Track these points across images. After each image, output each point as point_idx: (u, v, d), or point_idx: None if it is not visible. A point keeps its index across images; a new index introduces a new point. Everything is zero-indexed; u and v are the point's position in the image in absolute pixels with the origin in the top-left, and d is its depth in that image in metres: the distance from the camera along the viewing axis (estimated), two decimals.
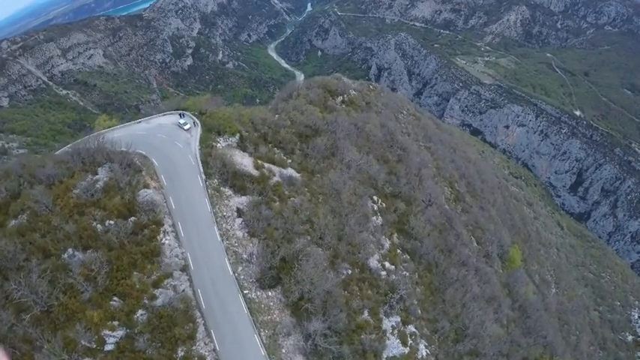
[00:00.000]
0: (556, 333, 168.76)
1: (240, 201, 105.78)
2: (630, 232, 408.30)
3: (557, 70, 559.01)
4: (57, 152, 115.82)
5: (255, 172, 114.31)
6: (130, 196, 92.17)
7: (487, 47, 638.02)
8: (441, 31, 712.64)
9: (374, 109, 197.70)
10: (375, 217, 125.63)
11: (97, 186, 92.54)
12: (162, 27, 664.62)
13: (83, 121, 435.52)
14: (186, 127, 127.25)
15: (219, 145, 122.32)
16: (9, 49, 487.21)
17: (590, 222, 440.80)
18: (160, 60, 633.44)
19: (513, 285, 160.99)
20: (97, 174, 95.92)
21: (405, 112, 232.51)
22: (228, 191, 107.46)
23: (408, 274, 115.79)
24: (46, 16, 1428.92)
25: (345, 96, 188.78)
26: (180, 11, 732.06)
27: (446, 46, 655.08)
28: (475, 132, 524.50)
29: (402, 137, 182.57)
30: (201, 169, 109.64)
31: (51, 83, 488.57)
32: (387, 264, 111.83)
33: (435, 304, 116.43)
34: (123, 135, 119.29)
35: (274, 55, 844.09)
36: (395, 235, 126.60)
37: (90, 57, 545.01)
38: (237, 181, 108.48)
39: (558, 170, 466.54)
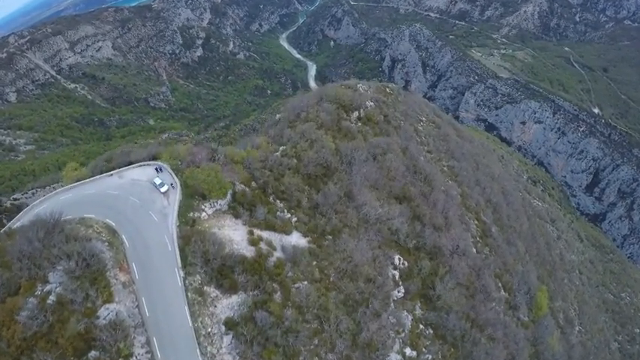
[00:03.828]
0: None
1: (229, 304, 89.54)
2: None
3: (575, 65, 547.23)
4: (17, 223, 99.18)
5: (249, 251, 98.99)
6: (87, 324, 77.23)
7: (503, 39, 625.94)
8: (457, 22, 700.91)
9: (392, 123, 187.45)
10: (396, 291, 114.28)
11: (49, 302, 77.88)
12: (171, 17, 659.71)
13: (92, 115, 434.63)
14: (162, 189, 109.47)
15: (204, 214, 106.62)
16: (16, 44, 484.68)
17: (605, 224, 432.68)
18: (170, 51, 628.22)
19: (540, 340, 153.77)
20: (47, 282, 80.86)
21: (424, 119, 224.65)
22: (213, 292, 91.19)
23: (431, 357, 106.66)
24: (57, 7, 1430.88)
25: (362, 110, 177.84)
26: (190, 1, 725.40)
27: (461, 37, 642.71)
28: (490, 127, 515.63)
29: (425, 160, 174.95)
30: (179, 262, 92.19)
31: (59, 77, 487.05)
32: (407, 351, 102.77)
33: None
34: (91, 194, 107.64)
35: (286, 45, 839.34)
36: (418, 306, 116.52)
37: (98, 49, 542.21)
38: (225, 278, 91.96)
39: (574, 169, 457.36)
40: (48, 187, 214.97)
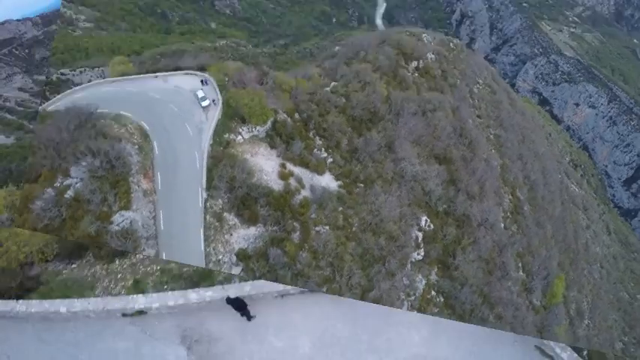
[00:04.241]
0: None
1: (245, 235, 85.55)
2: None
3: None
4: (52, 105, 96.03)
5: (278, 185, 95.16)
6: (99, 227, 72.47)
7: (575, 18, 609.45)
8: None
9: (449, 80, 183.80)
10: (416, 253, 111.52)
11: (66, 196, 73.94)
12: None
13: (155, 5, 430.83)
14: (204, 103, 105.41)
15: (239, 137, 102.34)
16: None
17: (636, 221, 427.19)
18: None
19: (547, 328, 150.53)
20: (69, 175, 77.02)
21: (481, 81, 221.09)
22: (232, 220, 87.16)
23: None
24: None
25: (421, 61, 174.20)
26: None
27: (534, 7, 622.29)
28: (543, 102, 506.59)
29: (473, 125, 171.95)
30: (204, 183, 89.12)
31: None
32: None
33: None
34: (133, 92, 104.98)
35: None
36: (434, 272, 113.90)
37: None
38: (247, 209, 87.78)
39: (617, 161, 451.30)
40: (97, 69, 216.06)
